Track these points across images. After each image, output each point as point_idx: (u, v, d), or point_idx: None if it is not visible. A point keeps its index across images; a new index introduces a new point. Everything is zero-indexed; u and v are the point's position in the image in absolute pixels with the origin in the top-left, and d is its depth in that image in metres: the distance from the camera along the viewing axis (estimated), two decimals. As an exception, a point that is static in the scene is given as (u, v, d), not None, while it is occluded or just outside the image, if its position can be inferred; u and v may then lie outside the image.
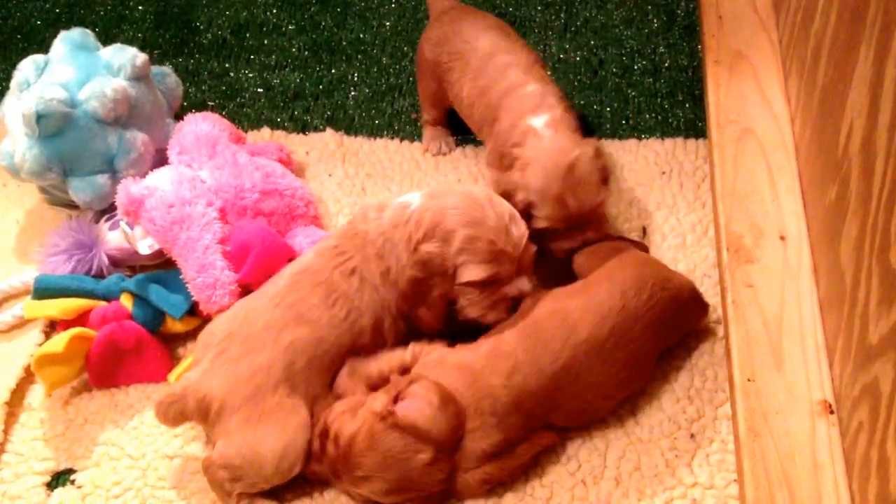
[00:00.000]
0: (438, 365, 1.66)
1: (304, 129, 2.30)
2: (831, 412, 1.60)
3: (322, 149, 2.23)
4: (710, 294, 1.88)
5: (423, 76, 2.16)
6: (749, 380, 1.66)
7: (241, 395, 1.62)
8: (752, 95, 2.07)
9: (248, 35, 2.52)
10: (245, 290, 1.83)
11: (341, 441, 1.58)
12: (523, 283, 1.73)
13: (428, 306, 1.73)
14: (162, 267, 1.95)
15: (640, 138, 2.20)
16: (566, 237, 1.82)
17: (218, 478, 1.63)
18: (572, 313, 1.67)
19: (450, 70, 2.03)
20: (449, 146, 2.20)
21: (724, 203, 1.89)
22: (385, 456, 1.56)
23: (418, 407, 1.57)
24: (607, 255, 1.78)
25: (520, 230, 1.71)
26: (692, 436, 1.72)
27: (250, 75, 2.42)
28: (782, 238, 1.83)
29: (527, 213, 1.79)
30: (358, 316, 1.70)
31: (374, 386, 1.67)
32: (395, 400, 1.59)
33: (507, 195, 1.79)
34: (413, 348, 1.71)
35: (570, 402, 1.67)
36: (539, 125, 1.82)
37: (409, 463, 1.56)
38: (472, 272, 1.68)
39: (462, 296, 1.72)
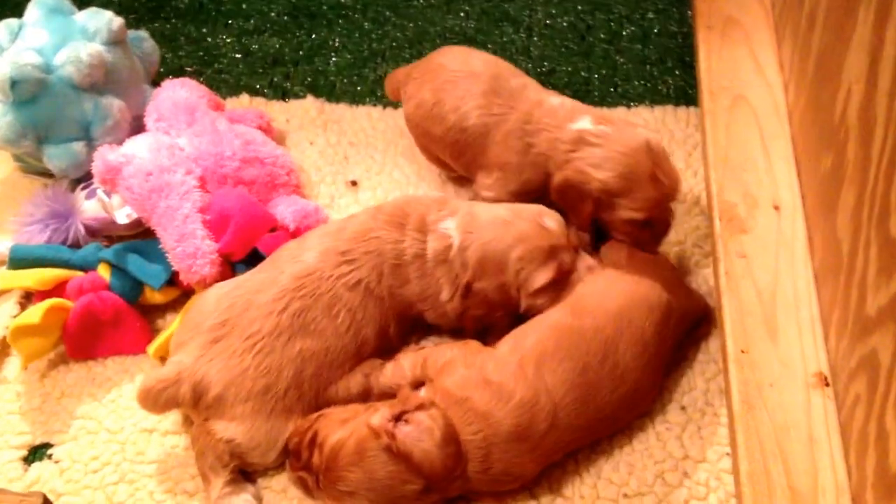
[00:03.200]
0: (458, 405, 1.54)
1: (283, 95, 2.26)
2: (826, 385, 1.58)
3: (303, 116, 2.20)
4: (701, 265, 1.87)
5: (417, 140, 2.02)
6: (743, 351, 1.63)
7: (246, 388, 1.60)
8: (744, 61, 2.05)
9: (225, -1, 2.48)
10: (226, 259, 1.80)
11: (325, 449, 1.52)
12: (586, 260, 1.72)
13: (492, 328, 1.72)
14: (140, 236, 1.91)
15: (628, 106, 2.17)
16: (651, 225, 1.74)
17: (217, 450, 1.59)
18: (622, 358, 1.59)
19: (437, 104, 1.90)
20: None
21: (717, 171, 1.87)
22: (371, 476, 1.49)
23: (418, 438, 1.48)
24: (642, 269, 1.72)
25: (554, 218, 1.71)
26: (683, 408, 1.69)
27: (228, 40, 2.38)
28: (776, 207, 1.80)
29: (594, 213, 1.73)
30: (360, 327, 1.68)
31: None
32: (399, 418, 1.51)
33: (573, 194, 1.73)
34: (424, 359, 1.68)
35: (593, 437, 1.64)
36: (587, 125, 1.74)
37: (396, 490, 1.49)
38: (539, 278, 1.68)
39: (535, 301, 1.70)
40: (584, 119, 1.75)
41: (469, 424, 1.51)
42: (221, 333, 1.63)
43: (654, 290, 1.67)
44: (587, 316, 1.62)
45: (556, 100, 1.82)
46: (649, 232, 1.74)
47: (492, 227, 1.69)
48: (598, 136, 1.71)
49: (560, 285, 1.69)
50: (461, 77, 1.89)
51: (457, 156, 1.92)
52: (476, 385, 1.55)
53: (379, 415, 1.51)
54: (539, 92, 1.85)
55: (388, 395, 1.65)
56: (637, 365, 1.60)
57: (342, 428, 1.53)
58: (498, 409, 1.53)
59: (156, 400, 1.59)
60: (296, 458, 1.57)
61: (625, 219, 1.72)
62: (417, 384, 1.64)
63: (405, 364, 1.67)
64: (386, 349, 1.72)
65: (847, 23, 1.59)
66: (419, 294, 1.71)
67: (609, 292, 1.67)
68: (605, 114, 1.79)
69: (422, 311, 1.73)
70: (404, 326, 1.75)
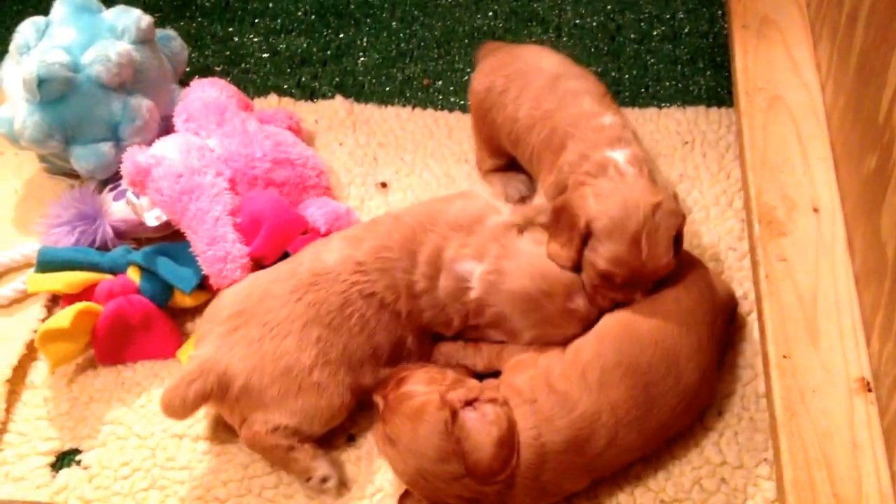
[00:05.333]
0: (526, 404, 1.53)
1: (312, 95, 2.24)
2: (869, 390, 1.56)
3: (331, 116, 2.18)
4: (734, 268, 1.85)
5: (477, 118, 1.99)
6: (785, 357, 1.61)
7: (269, 371, 1.59)
8: (780, 61, 2.02)
9: (251, -4, 2.46)
10: (257, 263, 1.78)
11: (399, 391, 1.54)
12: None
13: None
14: (168, 238, 1.90)
15: (659, 107, 2.15)
16: (616, 288, 1.63)
17: (269, 444, 1.60)
18: (683, 370, 1.57)
19: (504, 92, 1.87)
20: (527, 186, 2.00)
21: (755, 173, 1.84)
22: (417, 437, 1.49)
23: (476, 427, 1.49)
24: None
25: (583, 301, 1.65)
26: (720, 413, 1.67)
27: (255, 39, 2.36)
28: (815, 210, 1.78)
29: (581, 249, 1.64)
30: (373, 333, 1.66)
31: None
32: (471, 402, 1.51)
33: (567, 218, 1.64)
34: (501, 348, 1.69)
35: (647, 452, 1.62)
36: (621, 160, 1.66)
37: (433, 464, 1.48)
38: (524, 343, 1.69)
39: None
40: (622, 152, 1.67)
41: (532, 428, 1.51)
42: (239, 322, 1.63)
43: (702, 293, 1.65)
44: (643, 324, 1.60)
45: (608, 119, 1.75)
46: (609, 289, 1.64)
47: (520, 292, 1.64)
48: (619, 174, 1.64)
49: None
50: (529, 70, 1.87)
51: (514, 145, 1.90)
52: (542, 388, 1.55)
53: (456, 393, 1.52)
54: (596, 103, 1.78)
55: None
56: (697, 375, 1.58)
57: (423, 384, 1.54)
58: (560, 417, 1.52)
59: (185, 398, 1.56)
60: (384, 385, 1.60)
61: (590, 260, 1.62)
62: (489, 370, 1.67)
63: (484, 348, 1.70)
64: (403, 358, 1.70)
65: (893, 22, 1.56)
66: (432, 319, 1.69)
67: (660, 298, 1.64)
68: (644, 158, 1.70)
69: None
70: (423, 341, 1.73)
